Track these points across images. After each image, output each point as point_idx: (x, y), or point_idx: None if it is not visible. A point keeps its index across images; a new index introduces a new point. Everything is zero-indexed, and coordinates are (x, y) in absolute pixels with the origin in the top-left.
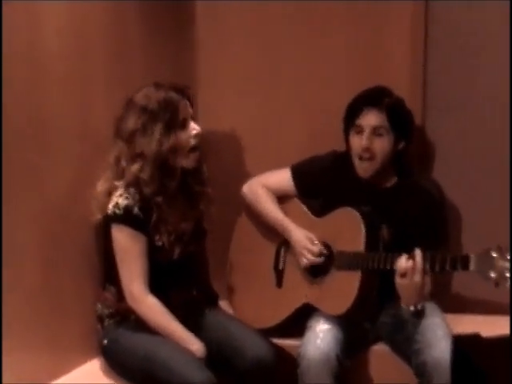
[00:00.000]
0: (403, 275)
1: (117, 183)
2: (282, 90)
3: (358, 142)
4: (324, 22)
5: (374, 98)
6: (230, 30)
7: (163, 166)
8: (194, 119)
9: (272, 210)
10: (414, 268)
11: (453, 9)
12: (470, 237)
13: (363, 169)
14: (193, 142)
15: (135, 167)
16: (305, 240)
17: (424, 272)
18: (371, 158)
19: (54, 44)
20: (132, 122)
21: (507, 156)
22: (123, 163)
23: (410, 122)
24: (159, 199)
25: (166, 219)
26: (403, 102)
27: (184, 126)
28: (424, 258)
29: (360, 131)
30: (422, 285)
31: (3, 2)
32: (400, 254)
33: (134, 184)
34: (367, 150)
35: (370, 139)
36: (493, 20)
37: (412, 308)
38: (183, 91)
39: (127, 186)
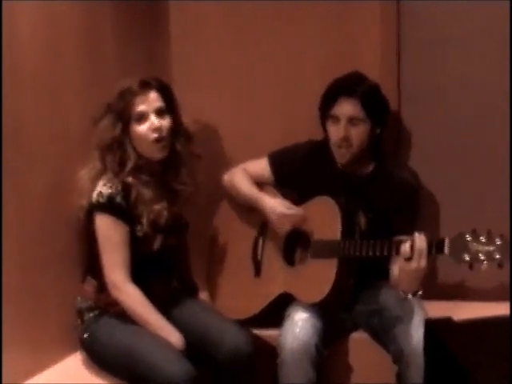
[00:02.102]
0: (409, 259)
1: (93, 171)
2: (256, 82)
3: (335, 132)
4: (297, 14)
5: (348, 87)
6: (204, 25)
7: (114, 153)
8: (168, 114)
9: (246, 187)
10: (419, 251)
11: (425, 2)
12: (447, 224)
13: (341, 155)
14: (152, 135)
15: (95, 154)
16: (280, 206)
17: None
18: (349, 146)
19: (26, 44)
20: (97, 114)
21: (481, 142)
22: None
23: (385, 108)
24: (129, 180)
25: (141, 199)
26: (378, 87)
27: (141, 119)
28: (429, 242)
29: (336, 121)
30: (425, 269)
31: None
32: (397, 240)
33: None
34: (345, 139)
35: (347, 129)
36: (465, 6)
37: (410, 295)
38: (148, 83)
39: (109, 175)
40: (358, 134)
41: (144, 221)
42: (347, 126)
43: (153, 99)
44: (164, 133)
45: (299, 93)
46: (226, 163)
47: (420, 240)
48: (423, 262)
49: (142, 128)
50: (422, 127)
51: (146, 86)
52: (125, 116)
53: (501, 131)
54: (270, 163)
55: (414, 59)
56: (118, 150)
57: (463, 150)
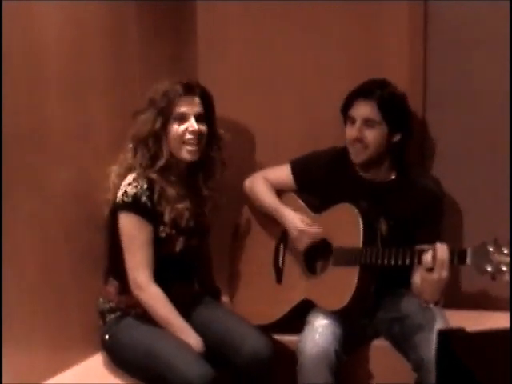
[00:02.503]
0: (430, 270)
1: (125, 162)
2: (282, 85)
3: (350, 132)
4: (323, 17)
5: (366, 90)
6: (230, 26)
7: (148, 147)
8: (206, 122)
9: (268, 198)
10: (441, 262)
11: (452, 2)
12: (470, 232)
13: (355, 154)
14: (187, 137)
15: (129, 147)
16: (300, 223)
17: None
18: (364, 148)
19: (52, 44)
20: (139, 110)
21: (507, 151)
22: (129, 145)
23: (404, 115)
24: (154, 176)
25: (165, 196)
26: (400, 94)
27: (181, 119)
28: (451, 252)
29: (352, 121)
30: (447, 280)
31: (3, 1)
32: (420, 248)
33: (133, 167)
34: (358, 140)
35: (361, 130)
36: (492, 12)
37: (431, 305)
38: (192, 88)
39: (137, 174)
40: (373, 136)
41: (166, 219)
42: (362, 127)
43: (195, 104)
44: (199, 137)
45: (324, 96)
46: (249, 166)
47: (442, 250)
48: (445, 273)
49: (181, 128)
50: (448, 133)
51: (191, 90)
52: (166, 113)
53: None
54: (292, 170)
55: (441, 64)
56: (153, 144)
57: (488, 157)
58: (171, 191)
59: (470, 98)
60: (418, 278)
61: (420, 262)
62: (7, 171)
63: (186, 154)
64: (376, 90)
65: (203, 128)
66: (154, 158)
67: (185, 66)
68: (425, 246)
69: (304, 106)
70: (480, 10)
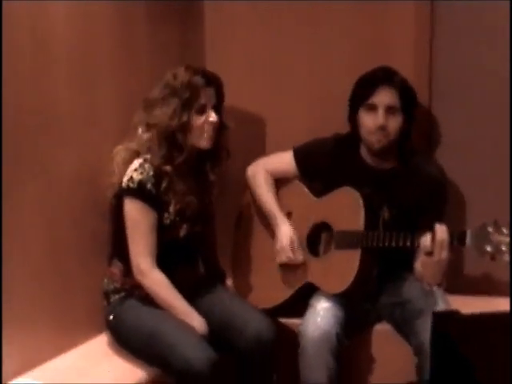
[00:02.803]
0: (430, 253)
1: (130, 145)
2: (289, 73)
3: (371, 121)
4: (331, 12)
5: (388, 75)
6: (238, 15)
7: (173, 139)
8: (217, 111)
9: (267, 199)
10: (440, 244)
11: None
12: (474, 219)
13: (377, 141)
14: (206, 127)
15: (147, 135)
16: (286, 242)
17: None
18: (385, 135)
19: (59, 29)
20: (154, 94)
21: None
22: (139, 131)
23: (416, 102)
24: (167, 168)
25: (173, 189)
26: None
27: (202, 111)
28: (450, 234)
29: (373, 109)
30: (447, 261)
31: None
32: (421, 231)
33: (145, 152)
34: (382, 127)
35: (385, 117)
36: (499, 5)
37: (434, 288)
38: (211, 79)
39: (144, 160)
40: (395, 123)
41: (171, 209)
42: (386, 115)
43: (213, 95)
44: (216, 128)
45: (331, 86)
46: (256, 152)
47: (441, 231)
48: (444, 254)
49: (201, 119)
50: (453, 123)
51: (210, 81)
52: (190, 105)
53: None
54: (295, 157)
55: (447, 56)
56: (179, 137)
57: (493, 146)
58: (180, 184)
59: (475, 89)
60: (419, 262)
61: (419, 244)
62: (13, 154)
63: (204, 143)
64: (396, 77)
65: (217, 118)
66: (175, 151)
67: (193, 51)
68: (426, 230)
69: (310, 95)
70: (486, 4)
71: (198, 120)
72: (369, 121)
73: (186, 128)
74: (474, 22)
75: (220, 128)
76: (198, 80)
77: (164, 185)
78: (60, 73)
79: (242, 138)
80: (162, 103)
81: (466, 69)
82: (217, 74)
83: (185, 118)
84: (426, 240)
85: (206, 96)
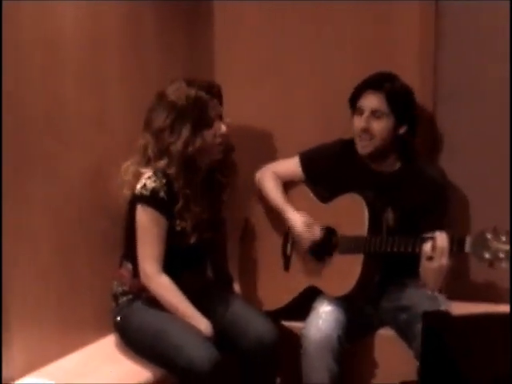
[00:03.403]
0: (430, 258)
1: (143, 170)
2: (296, 80)
3: (357, 123)
4: (336, 15)
5: (375, 81)
6: (245, 22)
7: (190, 163)
8: (222, 118)
9: (274, 194)
10: (441, 250)
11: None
12: (477, 222)
13: (362, 146)
14: (218, 140)
15: (162, 163)
16: (300, 225)
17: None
18: (370, 138)
19: (69, 31)
20: (161, 119)
21: None
22: (150, 153)
23: (410, 108)
24: (187, 191)
25: (190, 209)
26: (407, 87)
27: (211, 125)
28: (451, 240)
29: (361, 113)
30: (448, 267)
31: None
32: (417, 237)
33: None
34: (365, 130)
35: (368, 121)
36: (503, 7)
37: (436, 293)
38: (213, 90)
39: (156, 169)
40: (380, 127)
41: (187, 223)
42: (369, 118)
43: (217, 105)
44: (226, 136)
45: (336, 90)
46: (264, 158)
47: (441, 239)
48: (444, 261)
49: (210, 133)
50: (457, 127)
51: (214, 92)
52: (201, 125)
53: None
54: (301, 162)
55: (451, 59)
56: (193, 161)
57: (497, 150)
58: (195, 205)
59: (478, 93)
60: (421, 267)
61: (420, 251)
62: (23, 156)
63: (217, 155)
64: (385, 82)
65: (225, 126)
66: (193, 172)
67: (200, 54)
68: (427, 235)
69: (316, 100)
70: (491, 5)
71: (209, 135)
72: (356, 123)
73: (203, 148)
74: (478, 25)
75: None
76: (203, 94)
77: (180, 204)
78: (68, 74)
79: (249, 143)
80: (171, 129)
81: (470, 73)
82: (216, 82)
83: (199, 142)
84: (426, 246)
85: (213, 109)
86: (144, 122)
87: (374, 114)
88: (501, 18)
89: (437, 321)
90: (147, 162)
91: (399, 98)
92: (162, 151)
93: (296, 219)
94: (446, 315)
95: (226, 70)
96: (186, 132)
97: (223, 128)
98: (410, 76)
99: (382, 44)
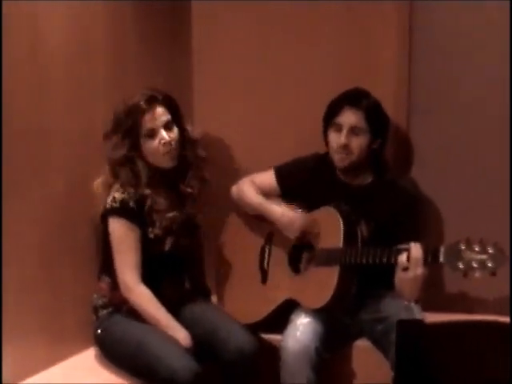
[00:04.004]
0: (406, 269)
1: (106, 180)
2: (274, 93)
3: (336, 140)
4: (312, 31)
5: (354, 98)
6: (224, 37)
7: (130, 167)
8: (176, 126)
9: (255, 197)
10: (415, 261)
11: (437, 12)
12: (450, 236)
13: (340, 160)
14: (162, 149)
15: (107, 168)
16: (288, 211)
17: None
18: (348, 153)
19: (55, 48)
20: (107, 129)
21: (488, 158)
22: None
23: (386, 123)
24: (146, 191)
25: (156, 209)
26: (380, 104)
27: (152, 134)
28: (425, 251)
29: (339, 129)
30: (424, 277)
31: (3, 2)
32: (397, 248)
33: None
34: (345, 147)
35: (348, 137)
36: (477, 22)
37: (412, 303)
38: (154, 100)
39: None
40: (359, 143)
41: (157, 226)
42: (348, 135)
43: (160, 114)
44: (174, 145)
45: (312, 105)
46: (239, 171)
47: (416, 249)
48: (419, 271)
49: (154, 143)
50: (430, 140)
51: (153, 101)
52: (134, 133)
53: (507, 142)
54: (276, 175)
55: (425, 73)
56: (129, 165)
57: (470, 161)
58: (162, 203)
59: (451, 106)
60: (396, 278)
61: (396, 262)
62: (11, 170)
63: (167, 162)
64: (363, 99)
65: (173, 134)
66: (136, 176)
67: (180, 72)
68: (403, 246)
69: (295, 114)
70: (465, 19)
71: (152, 143)
72: (334, 140)
73: (132, 157)
74: (452, 40)
75: (182, 138)
76: (139, 105)
77: (147, 207)
78: (55, 90)
79: (225, 156)
80: (110, 136)
81: (443, 86)
82: (164, 91)
83: (124, 150)
84: (402, 257)
85: (152, 119)
86: None
87: (353, 130)
88: (473, 32)
89: (411, 329)
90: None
91: (375, 114)
92: (108, 161)
93: (282, 209)
94: (419, 323)
95: (203, 83)
96: (115, 139)
97: (165, 137)
98: (385, 90)
99: (357, 59)
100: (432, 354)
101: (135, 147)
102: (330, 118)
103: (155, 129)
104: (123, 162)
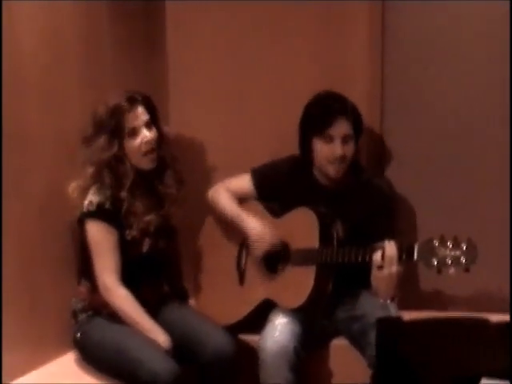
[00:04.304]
0: (380, 267)
1: (82, 184)
2: (249, 95)
3: (329, 151)
4: (286, 31)
5: (342, 107)
6: (199, 38)
7: (115, 169)
8: (154, 125)
9: (229, 206)
10: (391, 259)
11: (410, 11)
12: (424, 234)
13: (336, 171)
14: (144, 148)
15: (90, 171)
16: (259, 227)
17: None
18: (342, 162)
19: (28, 50)
20: (88, 131)
21: (460, 157)
22: (85, 168)
23: (362, 124)
24: (123, 194)
25: (133, 211)
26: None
27: (134, 133)
28: (399, 249)
29: (330, 140)
30: (399, 275)
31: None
32: (367, 247)
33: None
34: (342, 157)
35: (343, 147)
36: (450, 22)
37: (388, 301)
38: (134, 100)
39: (100, 184)
40: (351, 150)
41: (134, 228)
42: (343, 145)
43: (141, 113)
44: (154, 144)
45: (288, 107)
46: (217, 173)
47: (390, 248)
48: (394, 269)
49: (136, 142)
50: (403, 139)
51: (134, 101)
52: (119, 133)
53: (479, 144)
54: (252, 178)
55: (398, 75)
56: (116, 166)
57: (441, 160)
58: (139, 206)
59: (423, 106)
60: (372, 276)
61: (371, 260)
62: None
63: (148, 163)
64: (348, 107)
65: (153, 134)
66: (119, 178)
67: (155, 72)
68: (378, 245)
69: (270, 115)
70: (437, 19)
71: (134, 143)
72: (326, 151)
73: (120, 156)
74: (425, 42)
75: (162, 142)
76: (121, 105)
77: (124, 209)
78: (29, 92)
79: (201, 158)
80: (94, 139)
81: (415, 86)
82: (142, 92)
83: (115, 149)
84: (376, 255)
85: (134, 118)
86: None
87: (345, 139)
88: (446, 31)
89: (390, 327)
90: (84, 178)
91: (358, 120)
92: (91, 161)
93: (253, 225)
94: (398, 321)
95: (179, 85)
96: (101, 141)
97: (148, 135)
98: (359, 91)
99: (330, 59)
100: (411, 350)
101: (121, 148)
102: (319, 129)
103: (137, 128)
104: (111, 162)
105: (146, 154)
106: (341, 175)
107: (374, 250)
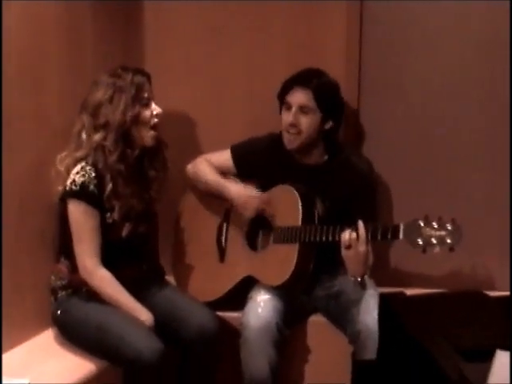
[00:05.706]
0: (348, 247)
1: (77, 154)
2: (226, 73)
3: (286, 118)
4: (267, 13)
5: (304, 78)
6: (177, 15)
7: (128, 136)
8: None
9: (211, 175)
10: (358, 239)
11: (387, 2)
12: (401, 214)
13: (288, 140)
14: (154, 120)
15: (98, 136)
16: (245, 190)
17: (367, 242)
18: (297, 133)
19: (12, 37)
20: (99, 95)
21: (438, 138)
22: (83, 136)
23: (337, 104)
24: (121, 167)
25: (118, 192)
26: (334, 84)
27: (147, 104)
28: (366, 229)
29: (288, 108)
30: (367, 254)
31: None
32: (343, 226)
33: (94, 154)
34: (293, 125)
35: (296, 116)
36: (423, 10)
37: (359, 279)
38: (148, 76)
39: (86, 162)
40: (307, 122)
41: (116, 210)
42: (297, 114)
43: (151, 88)
44: (160, 120)
45: (266, 85)
46: (194, 151)
47: (360, 227)
48: (362, 248)
49: (148, 112)
50: (380, 119)
51: (147, 76)
52: (137, 100)
53: (454, 126)
54: (232, 155)
55: (374, 58)
56: (134, 130)
57: (419, 141)
58: (124, 188)
59: (399, 87)
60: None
61: (339, 240)
62: None
63: (150, 139)
64: (313, 79)
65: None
66: (129, 148)
67: (134, 52)
68: (346, 225)
69: (248, 94)
70: (412, 9)
71: (146, 113)
72: (284, 118)
73: (138, 122)
74: (401, 27)
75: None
76: (139, 76)
77: (108, 189)
78: (11, 80)
79: (179, 139)
80: (109, 102)
81: (391, 68)
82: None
83: (137, 110)
84: (344, 235)
85: (148, 90)
86: (80, 106)
87: (302, 109)
88: (419, 18)
89: (392, 301)
90: (81, 146)
91: (326, 95)
92: (98, 126)
93: (238, 187)
94: (400, 295)
95: (155, 64)
96: (123, 102)
97: (158, 109)
98: (336, 72)
99: (309, 41)
100: (414, 323)
101: (138, 114)
102: (281, 97)
103: (151, 98)
104: (132, 125)
105: (153, 127)
106: (295, 147)
107: (342, 230)
